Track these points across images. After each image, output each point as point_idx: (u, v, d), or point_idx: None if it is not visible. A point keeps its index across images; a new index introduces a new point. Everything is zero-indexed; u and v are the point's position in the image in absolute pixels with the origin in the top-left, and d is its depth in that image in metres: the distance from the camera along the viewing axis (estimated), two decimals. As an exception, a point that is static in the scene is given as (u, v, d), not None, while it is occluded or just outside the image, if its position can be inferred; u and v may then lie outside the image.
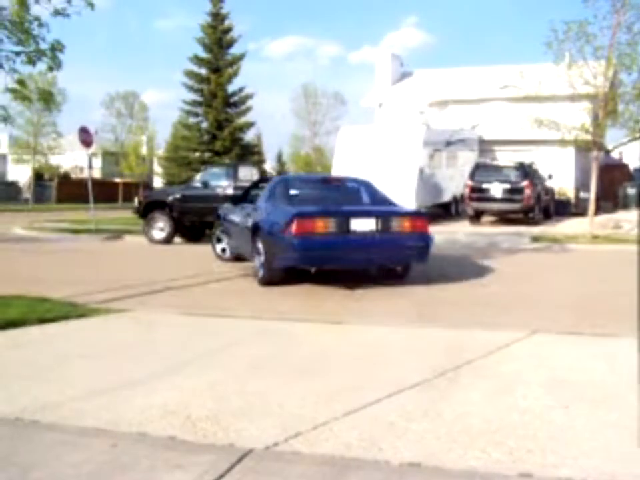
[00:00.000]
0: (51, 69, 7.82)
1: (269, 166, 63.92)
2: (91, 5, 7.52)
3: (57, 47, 7.76)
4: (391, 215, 9.97)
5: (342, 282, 9.92)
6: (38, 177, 56.03)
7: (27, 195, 56.57)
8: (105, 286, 9.90)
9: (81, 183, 58.93)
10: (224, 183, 18.36)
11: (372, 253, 9.61)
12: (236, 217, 12.20)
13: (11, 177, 68.93)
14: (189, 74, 40.94)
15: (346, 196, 11.31)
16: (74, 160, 67.81)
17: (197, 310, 7.87)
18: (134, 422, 3.78)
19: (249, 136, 44.64)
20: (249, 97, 41.67)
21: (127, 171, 58.65)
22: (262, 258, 10.04)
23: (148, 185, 57.38)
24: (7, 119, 8.01)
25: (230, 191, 17.88)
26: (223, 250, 13.62)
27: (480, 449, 3.41)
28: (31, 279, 10.97)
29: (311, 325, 6.94)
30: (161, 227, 18.46)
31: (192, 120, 41.77)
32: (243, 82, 42.97)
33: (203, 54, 41.11)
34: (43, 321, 6.86)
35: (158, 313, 7.71)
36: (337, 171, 25.23)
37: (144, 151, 62.19)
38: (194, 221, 18.63)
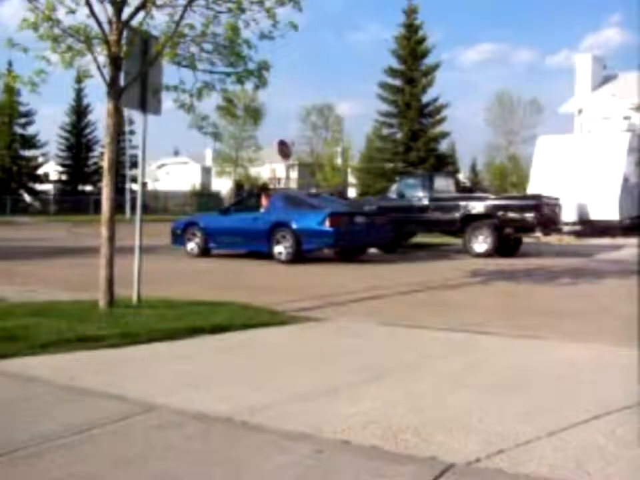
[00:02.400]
0: (257, 87, 8.21)
1: (463, 176, 63.19)
2: (295, 27, 7.82)
3: (263, 67, 8.14)
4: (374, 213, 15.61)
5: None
6: (238, 187, 58.83)
7: (228, 204, 59.73)
8: (300, 294, 10.23)
9: (279, 193, 61.33)
10: (420, 193, 18.43)
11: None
12: (236, 222, 16.61)
13: (214, 187, 72.95)
14: (384, 85, 41.48)
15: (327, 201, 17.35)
16: (272, 171, 70.68)
17: (392, 320, 7.94)
18: (337, 429, 3.89)
19: (443, 146, 44.54)
20: (443, 106, 41.63)
21: (322, 182, 60.18)
22: (288, 244, 15.37)
23: (342, 196, 58.52)
24: (217, 135, 8.50)
25: (426, 202, 17.91)
26: (192, 248, 17.31)
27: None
28: (231, 285, 11.57)
29: (505, 339, 6.80)
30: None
31: (386, 131, 42.22)
32: (437, 92, 42.95)
33: (397, 65, 41.53)
34: (246, 326, 7.21)
35: (355, 322, 7.85)
36: (535, 182, 24.62)
37: (339, 162, 63.59)
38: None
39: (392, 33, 42.09)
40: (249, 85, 8.24)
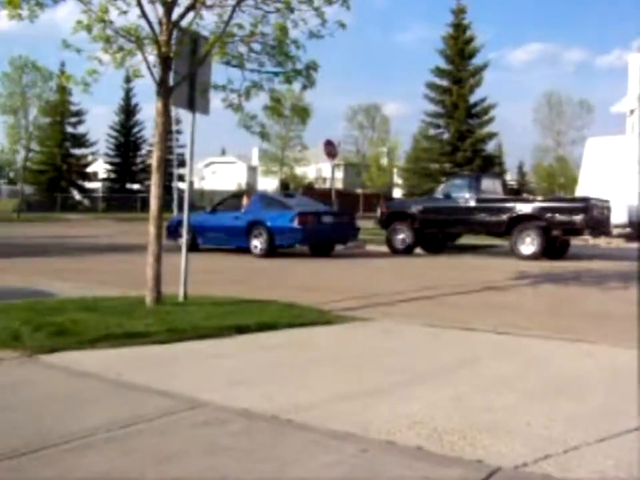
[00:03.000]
0: (305, 87, 8.22)
1: (510, 177, 62.59)
2: (343, 26, 7.81)
3: (312, 67, 8.16)
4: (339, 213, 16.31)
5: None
6: (284, 187, 59.02)
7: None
8: (347, 294, 10.23)
9: (324, 193, 61.31)
10: (466, 194, 18.28)
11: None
12: (220, 220, 18.29)
13: (260, 187, 73.30)
14: (431, 86, 41.27)
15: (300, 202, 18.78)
16: (317, 171, 70.80)
17: (437, 321, 7.89)
18: (382, 429, 3.87)
19: (489, 147, 44.13)
20: (491, 107, 41.27)
21: (368, 182, 60.13)
22: (262, 240, 17.16)
23: (388, 196, 58.45)
24: (264, 135, 8.54)
25: (472, 203, 17.76)
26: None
27: None
28: (276, 284, 11.62)
29: (553, 343, 6.70)
30: (402, 237, 18.75)
31: (433, 131, 42.01)
32: (485, 92, 42.54)
33: (445, 65, 41.26)
34: (292, 325, 7.23)
35: (401, 323, 7.81)
36: (584, 184, 24.25)
37: (384, 162, 63.45)
38: (435, 233, 18.72)
39: (439, 33, 41.78)
40: (296, 85, 8.26)
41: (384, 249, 19.41)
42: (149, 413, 4.09)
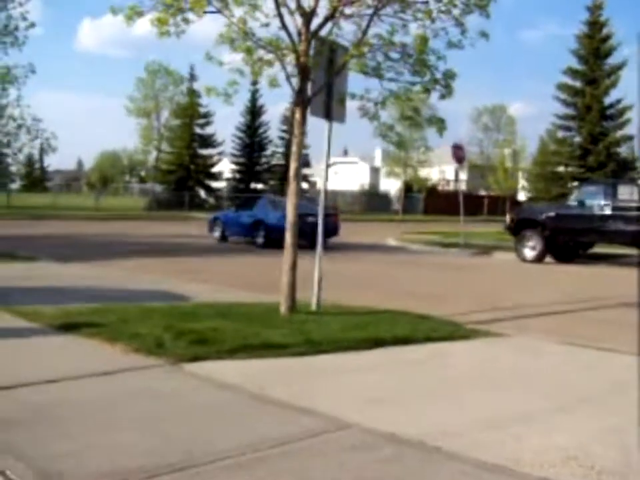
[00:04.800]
0: (443, 97, 8.09)
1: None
2: (486, 36, 7.62)
3: (449, 75, 8.02)
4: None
5: None
6: (407, 188, 58.63)
7: (397, 205, 59.64)
8: (477, 305, 10.06)
9: (447, 196, 60.63)
10: (601, 202, 17.55)
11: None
12: (239, 218, 22.75)
13: (382, 187, 73.22)
14: (562, 87, 39.87)
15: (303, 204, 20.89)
16: (440, 172, 70.00)
17: (573, 338, 7.61)
18: (535, 463, 3.72)
19: (624, 150, 42.29)
20: (627, 109, 39.47)
21: (494, 185, 58.95)
22: (262, 235, 21.13)
23: (514, 200, 57.25)
24: (401, 145, 8.47)
25: (608, 211, 17.07)
26: (216, 235, 23.61)
27: None
28: (407, 292, 11.51)
29: None
30: (532, 245, 18.24)
31: (562, 134, 40.61)
32: (621, 92, 40.74)
33: (578, 65, 39.73)
34: (429, 339, 7.13)
35: (536, 340, 7.57)
36: None
37: (509, 164, 62.04)
38: (567, 241, 18.12)
39: (572, 31, 40.14)
40: (434, 95, 8.14)
41: (511, 256, 18.95)
42: (295, 432, 4.10)
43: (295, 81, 7.87)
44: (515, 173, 61.23)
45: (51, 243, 20.66)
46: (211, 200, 62.06)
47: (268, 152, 67.16)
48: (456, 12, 7.75)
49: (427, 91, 8.00)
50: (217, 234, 23.82)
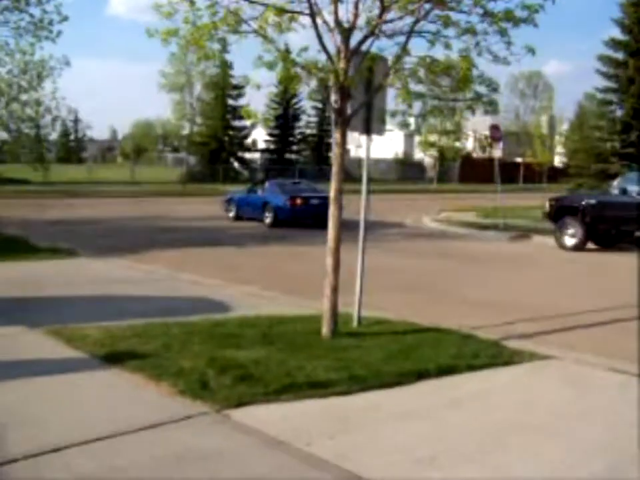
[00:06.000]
0: (487, 112, 7.92)
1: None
2: (533, 51, 7.38)
3: (494, 87, 7.83)
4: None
5: None
6: (441, 157, 58.09)
7: (431, 174, 59.10)
8: (518, 312, 9.95)
9: (483, 163, 59.81)
10: (644, 189, 17.19)
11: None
12: (250, 199, 24.82)
13: (417, 156, 72.62)
14: (603, 59, 38.55)
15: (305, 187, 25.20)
16: (476, 140, 69.16)
17: (624, 362, 7.35)
18: None
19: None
20: (674, 81, 38.13)
21: (530, 157, 58.19)
22: (270, 215, 23.26)
23: (553, 167, 56.41)
24: (442, 152, 8.28)
25: (650, 199, 16.70)
26: (230, 215, 25.60)
27: None
28: (448, 294, 11.36)
29: None
30: (572, 232, 17.95)
31: (602, 109, 39.41)
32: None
33: (620, 36, 38.31)
34: (471, 367, 7.01)
35: (587, 365, 7.33)
36: None
37: (545, 131, 61.14)
38: (609, 229, 17.80)
39: (617, 0, 38.32)
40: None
41: (552, 241, 18.66)
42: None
43: (334, 98, 7.74)
44: (552, 146, 60.12)
45: (90, 230, 20.98)
46: (245, 172, 62.07)
47: (302, 122, 66.90)
48: (502, 25, 7.51)
49: (471, 107, 7.84)
50: (231, 214, 25.77)
